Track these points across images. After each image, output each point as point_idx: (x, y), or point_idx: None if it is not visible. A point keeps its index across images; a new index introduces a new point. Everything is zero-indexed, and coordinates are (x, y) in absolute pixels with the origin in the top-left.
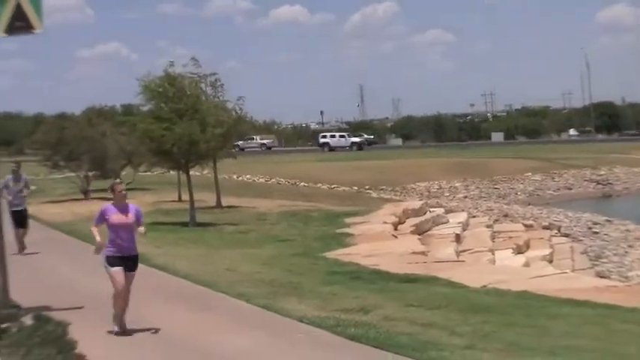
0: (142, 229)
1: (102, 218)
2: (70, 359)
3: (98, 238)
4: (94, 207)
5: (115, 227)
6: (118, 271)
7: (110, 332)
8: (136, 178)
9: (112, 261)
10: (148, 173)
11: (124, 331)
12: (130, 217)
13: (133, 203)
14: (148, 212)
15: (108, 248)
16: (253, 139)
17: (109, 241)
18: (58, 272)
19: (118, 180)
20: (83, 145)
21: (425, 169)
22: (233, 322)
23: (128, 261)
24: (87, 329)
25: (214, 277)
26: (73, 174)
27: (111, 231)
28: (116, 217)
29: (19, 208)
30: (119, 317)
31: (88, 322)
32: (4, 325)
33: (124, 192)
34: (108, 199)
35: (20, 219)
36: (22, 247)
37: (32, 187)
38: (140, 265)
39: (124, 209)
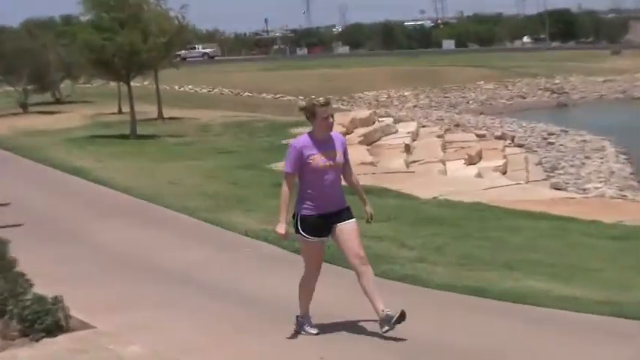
0: (368, 209)
1: (299, 161)
2: (11, 279)
3: (283, 217)
4: (34, 121)
5: (318, 173)
6: (317, 244)
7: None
8: (75, 90)
9: (309, 226)
10: (88, 85)
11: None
12: (339, 155)
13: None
14: (87, 125)
15: (302, 205)
16: (195, 48)
17: (302, 194)
18: None
19: (321, 99)
20: (22, 58)
21: (373, 78)
22: (177, 237)
23: (336, 215)
24: (28, 247)
25: (157, 191)
26: (11, 88)
27: (309, 179)
28: (320, 157)
29: None
30: (306, 308)
31: (29, 239)
32: None
33: (330, 121)
34: (47, 113)
35: None
36: None
37: None
38: (79, 180)
39: (329, 143)
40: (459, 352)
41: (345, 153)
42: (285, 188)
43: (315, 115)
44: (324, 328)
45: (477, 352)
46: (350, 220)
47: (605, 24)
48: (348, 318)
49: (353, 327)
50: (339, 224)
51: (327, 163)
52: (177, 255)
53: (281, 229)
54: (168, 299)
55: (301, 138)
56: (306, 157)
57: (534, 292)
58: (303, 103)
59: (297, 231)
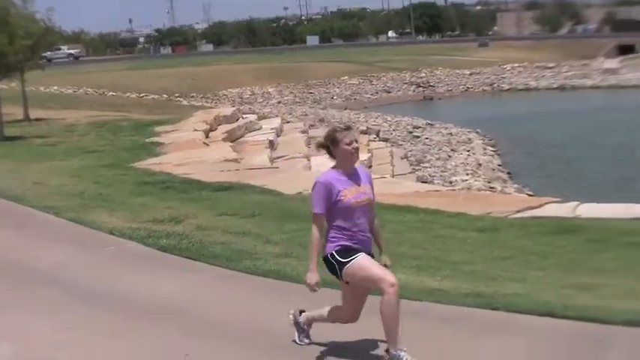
0: (384, 259)
1: (328, 198)
2: None
3: (314, 264)
4: None
5: (350, 212)
6: (365, 256)
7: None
8: None
9: (347, 251)
10: None
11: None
12: (368, 188)
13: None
14: None
15: (333, 243)
16: (61, 49)
17: (333, 233)
18: None
19: (342, 125)
20: None
21: (237, 76)
22: (42, 237)
23: None
24: None
25: (23, 191)
26: None
27: (339, 220)
28: (351, 192)
29: None
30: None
31: None
32: None
33: (355, 146)
34: None
35: None
36: None
37: None
38: None
39: (355, 177)
40: (323, 346)
41: (372, 188)
42: (315, 232)
43: (338, 142)
44: (191, 327)
45: (344, 346)
46: None
47: (472, 17)
48: (215, 316)
49: (220, 326)
50: None
51: (359, 200)
52: (43, 255)
53: (312, 278)
54: (35, 301)
55: (326, 173)
56: (335, 193)
57: (401, 285)
58: (321, 139)
59: (340, 268)
